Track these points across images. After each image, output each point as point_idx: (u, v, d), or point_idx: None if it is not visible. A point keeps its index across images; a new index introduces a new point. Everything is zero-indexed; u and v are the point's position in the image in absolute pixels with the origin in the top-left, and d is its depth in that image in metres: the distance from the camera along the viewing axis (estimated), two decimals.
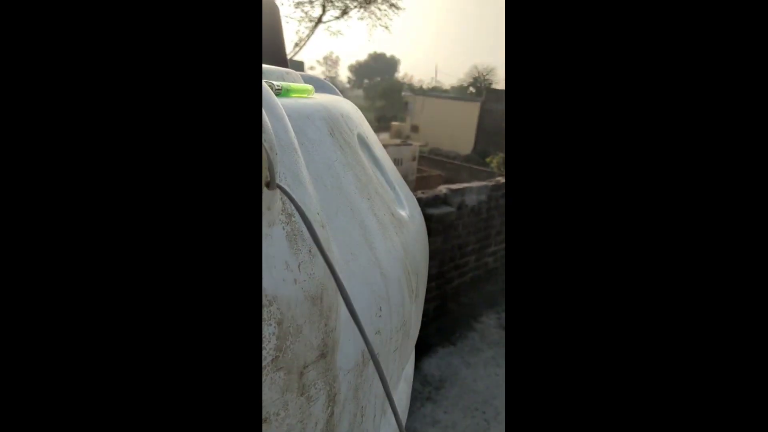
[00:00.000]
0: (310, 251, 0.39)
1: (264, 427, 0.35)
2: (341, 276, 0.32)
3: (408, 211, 0.70)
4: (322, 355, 0.39)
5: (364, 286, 0.49)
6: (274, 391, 0.35)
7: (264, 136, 0.31)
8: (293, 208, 0.39)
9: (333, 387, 0.41)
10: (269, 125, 0.38)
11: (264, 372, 0.34)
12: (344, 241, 0.49)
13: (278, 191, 0.38)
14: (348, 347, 0.44)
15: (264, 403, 0.34)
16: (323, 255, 0.33)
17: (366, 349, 0.47)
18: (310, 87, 0.68)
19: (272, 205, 0.36)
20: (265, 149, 0.30)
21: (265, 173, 0.30)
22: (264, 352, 0.34)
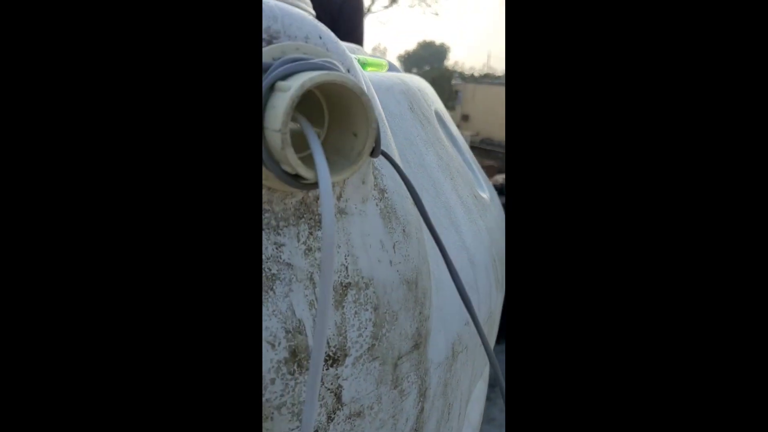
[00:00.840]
0: (404, 230, 0.35)
1: (357, 421, 0.32)
2: (449, 251, 0.28)
3: (488, 193, 0.65)
4: (416, 346, 0.36)
5: None
6: (369, 383, 0.32)
7: (367, 99, 0.27)
8: (385, 183, 0.35)
9: (424, 381, 0.38)
10: (365, 88, 0.34)
11: (360, 361, 0.31)
12: None
13: (371, 165, 0.34)
14: (439, 339, 0.40)
15: (359, 395, 0.31)
16: (431, 229, 0.29)
17: (456, 342, 0.42)
18: (384, 62, 0.64)
19: (366, 178, 0.33)
20: (374, 115, 0.26)
21: (372, 141, 0.26)
22: (361, 339, 0.30)
